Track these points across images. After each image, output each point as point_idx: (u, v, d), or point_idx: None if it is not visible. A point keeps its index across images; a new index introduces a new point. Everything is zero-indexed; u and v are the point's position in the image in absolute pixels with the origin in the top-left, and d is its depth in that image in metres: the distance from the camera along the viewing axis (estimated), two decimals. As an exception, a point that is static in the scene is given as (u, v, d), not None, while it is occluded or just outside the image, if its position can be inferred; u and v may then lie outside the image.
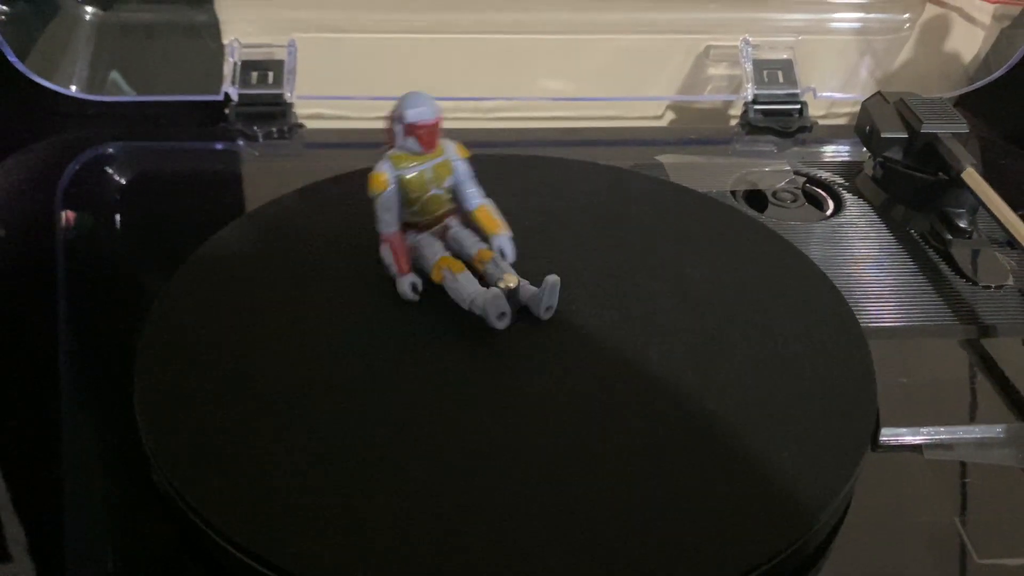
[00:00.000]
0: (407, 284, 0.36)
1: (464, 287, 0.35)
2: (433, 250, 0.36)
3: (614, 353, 0.34)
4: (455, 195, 0.37)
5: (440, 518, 0.28)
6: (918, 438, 0.34)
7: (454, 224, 0.37)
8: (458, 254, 0.37)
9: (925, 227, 0.46)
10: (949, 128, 0.46)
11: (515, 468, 0.30)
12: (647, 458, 0.30)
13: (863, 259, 0.44)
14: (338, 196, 0.43)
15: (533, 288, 0.35)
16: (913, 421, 0.34)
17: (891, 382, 0.36)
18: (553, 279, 0.35)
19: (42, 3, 0.56)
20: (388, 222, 0.36)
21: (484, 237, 0.37)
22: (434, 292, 0.36)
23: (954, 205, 0.46)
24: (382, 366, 0.33)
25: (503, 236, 0.37)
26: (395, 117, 0.35)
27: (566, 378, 0.33)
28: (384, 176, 0.35)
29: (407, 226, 0.37)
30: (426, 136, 0.35)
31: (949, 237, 0.45)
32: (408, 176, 0.35)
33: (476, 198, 0.37)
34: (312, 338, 0.34)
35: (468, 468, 0.30)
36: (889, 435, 0.34)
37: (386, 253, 0.37)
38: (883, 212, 0.47)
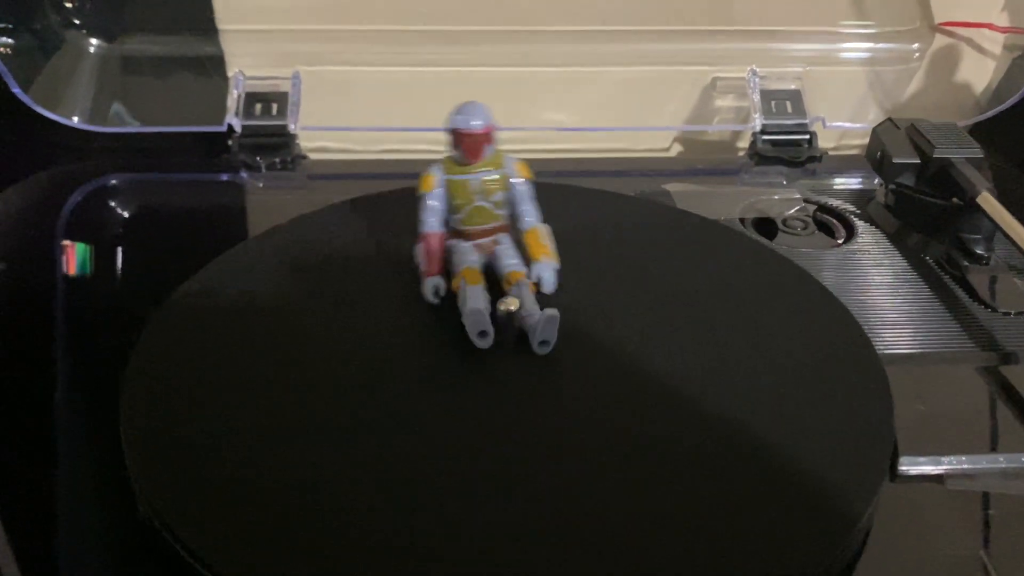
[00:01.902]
0: (430, 286, 0.36)
1: (466, 300, 0.34)
2: (465, 260, 0.36)
3: (626, 378, 0.33)
4: (511, 213, 0.37)
5: (441, 547, 0.27)
6: (939, 468, 0.33)
7: (504, 240, 0.37)
8: (493, 270, 0.36)
9: (940, 253, 0.45)
10: (962, 153, 0.45)
11: (526, 492, 0.29)
12: (660, 485, 0.29)
13: (877, 286, 0.43)
14: (329, 225, 0.42)
15: (538, 314, 0.34)
16: (933, 450, 0.33)
17: (909, 410, 0.34)
18: (551, 312, 0.33)
19: (47, 35, 0.56)
20: (426, 222, 0.36)
21: (528, 260, 0.36)
22: (440, 311, 0.35)
23: (970, 230, 0.45)
24: (376, 395, 0.32)
25: (545, 264, 0.36)
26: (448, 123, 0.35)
27: (578, 406, 0.32)
28: (432, 178, 0.35)
29: (456, 234, 0.36)
30: (469, 146, 0.35)
31: (965, 263, 0.44)
32: (454, 180, 0.35)
33: (530, 218, 0.37)
34: (302, 366, 0.34)
35: (468, 491, 0.29)
36: (908, 464, 0.33)
37: (419, 253, 0.36)
38: (897, 239, 0.46)
